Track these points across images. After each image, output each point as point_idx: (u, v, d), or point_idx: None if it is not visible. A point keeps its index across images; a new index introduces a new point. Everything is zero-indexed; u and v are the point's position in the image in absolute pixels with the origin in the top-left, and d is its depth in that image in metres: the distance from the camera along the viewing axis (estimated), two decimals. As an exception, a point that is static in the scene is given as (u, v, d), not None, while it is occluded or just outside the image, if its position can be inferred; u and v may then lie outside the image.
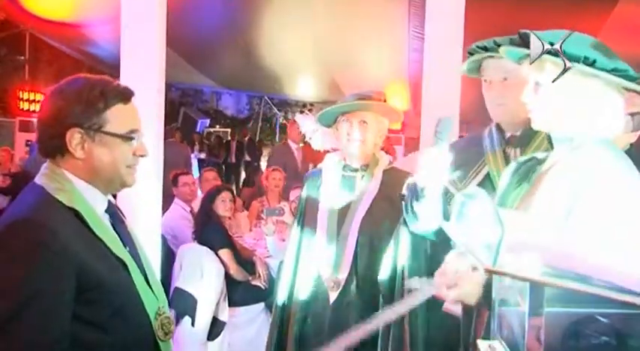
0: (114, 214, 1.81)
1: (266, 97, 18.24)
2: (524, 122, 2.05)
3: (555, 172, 1.68)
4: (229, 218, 5.17)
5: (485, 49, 2.15)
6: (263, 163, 13.79)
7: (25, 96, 11.77)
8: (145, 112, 4.07)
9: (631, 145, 2.06)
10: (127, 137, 1.74)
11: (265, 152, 15.48)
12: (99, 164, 1.71)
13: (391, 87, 8.80)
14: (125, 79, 4.06)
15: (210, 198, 5.03)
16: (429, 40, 3.95)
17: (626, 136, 1.97)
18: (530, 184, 1.76)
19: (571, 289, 1.10)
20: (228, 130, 17.88)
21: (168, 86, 13.90)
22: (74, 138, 1.67)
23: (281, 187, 6.44)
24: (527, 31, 1.66)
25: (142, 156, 1.80)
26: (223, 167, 14.72)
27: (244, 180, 14.58)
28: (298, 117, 3.49)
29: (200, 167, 13.49)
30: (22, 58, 12.58)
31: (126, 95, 1.76)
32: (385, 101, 3.06)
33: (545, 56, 1.61)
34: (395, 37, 8.71)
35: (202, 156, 14.86)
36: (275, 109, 19.03)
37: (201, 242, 4.81)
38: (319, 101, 15.15)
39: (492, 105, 2.25)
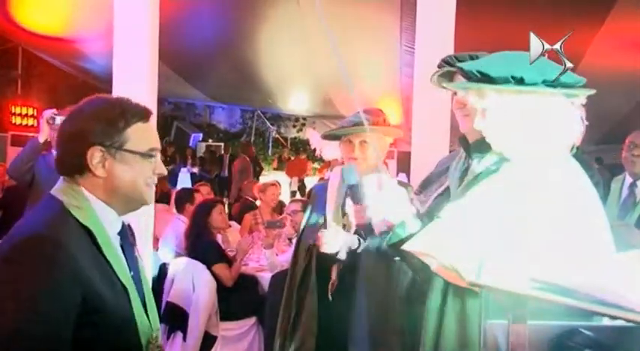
0: (125, 237, 1.82)
1: (259, 112, 18.25)
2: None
3: (506, 177, 1.71)
4: (219, 233, 5.16)
5: (449, 63, 2.20)
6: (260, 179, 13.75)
7: (18, 110, 11.75)
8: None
9: (577, 148, 2.13)
10: (148, 155, 1.76)
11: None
12: (119, 182, 1.72)
13: (383, 101, 8.85)
14: (118, 94, 4.07)
15: (204, 211, 5.01)
16: (420, 55, 3.99)
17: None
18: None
19: (554, 302, 1.11)
20: (221, 144, 17.86)
21: (161, 100, 13.91)
22: (95, 156, 1.69)
23: (277, 202, 6.48)
24: (460, 65, 1.79)
25: (160, 174, 1.81)
26: (216, 181, 14.69)
27: (237, 196, 14.58)
28: (309, 132, 3.75)
29: (192, 181, 13.47)
30: (15, 72, 12.56)
31: (145, 114, 1.79)
32: (384, 120, 3.17)
33: (482, 85, 1.66)
34: (387, 52, 8.77)
35: (195, 170, 14.83)
36: (268, 124, 19.03)
37: (194, 257, 4.80)
38: (312, 115, 15.18)
39: (459, 116, 2.29)
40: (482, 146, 2.14)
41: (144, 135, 1.76)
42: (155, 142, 1.80)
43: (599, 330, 1.21)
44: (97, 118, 1.71)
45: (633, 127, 4.30)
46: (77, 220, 1.65)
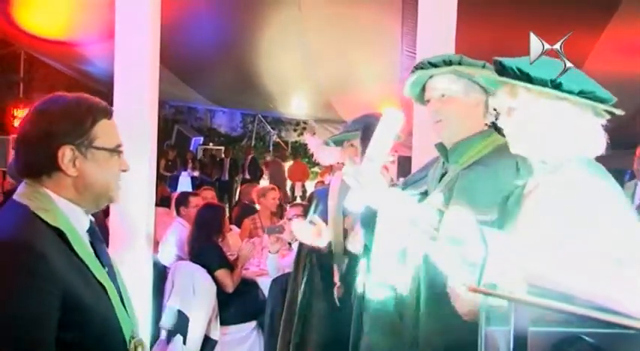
0: (94, 233, 1.80)
1: (260, 116, 18.27)
2: (463, 136, 2.19)
3: (536, 195, 1.70)
4: (220, 237, 5.16)
5: (422, 68, 2.21)
6: (262, 182, 13.75)
7: (20, 114, 11.79)
8: (139, 129, 4.13)
9: None
10: (117, 151, 1.75)
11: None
12: (90, 180, 1.70)
13: (384, 106, 8.84)
14: (119, 97, 4.08)
15: (208, 215, 5.01)
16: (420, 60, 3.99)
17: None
18: (519, 209, 1.78)
19: (555, 309, 1.11)
20: (222, 148, 17.87)
21: (162, 104, 13.92)
22: (66, 156, 1.66)
23: (276, 206, 6.47)
24: (501, 59, 1.71)
25: (124, 171, 1.80)
26: (217, 185, 14.70)
27: (237, 200, 14.63)
28: (307, 137, 3.79)
29: (193, 185, 13.46)
30: (17, 75, 12.60)
31: (108, 111, 1.77)
32: None
33: (517, 83, 1.65)
34: (388, 56, 8.78)
35: (195, 174, 14.84)
36: (268, 127, 19.05)
37: (196, 261, 4.79)
38: (313, 119, 15.20)
39: (433, 123, 2.31)
40: (458, 151, 2.17)
41: (110, 131, 1.75)
42: (119, 138, 1.78)
43: (600, 337, 1.21)
44: (64, 117, 1.69)
45: (635, 133, 4.37)
46: (46, 223, 1.62)
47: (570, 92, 1.64)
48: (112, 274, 1.78)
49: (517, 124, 1.73)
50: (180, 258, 5.16)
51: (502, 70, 1.72)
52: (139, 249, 4.09)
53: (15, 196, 1.69)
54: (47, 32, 9.28)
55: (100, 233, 1.85)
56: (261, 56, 10.13)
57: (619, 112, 1.71)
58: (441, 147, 2.29)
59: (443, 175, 2.24)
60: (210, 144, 18.81)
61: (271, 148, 18.90)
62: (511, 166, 1.99)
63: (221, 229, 5.01)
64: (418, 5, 4.05)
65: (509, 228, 1.72)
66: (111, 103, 4.20)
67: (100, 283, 1.68)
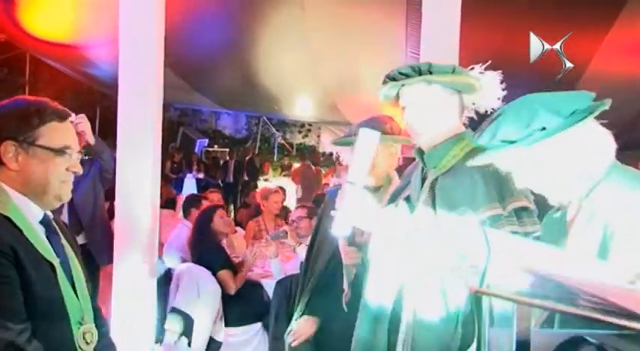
0: (48, 226, 1.90)
1: (264, 117, 18.28)
2: (439, 142, 2.21)
3: (582, 218, 1.69)
4: (224, 238, 5.16)
5: (394, 79, 2.22)
6: (261, 184, 13.74)
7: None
8: (144, 131, 4.14)
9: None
10: (60, 151, 1.85)
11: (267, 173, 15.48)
12: (32, 176, 1.83)
13: (388, 107, 8.83)
14: (124, 99, 4.09)
15: (207, 217, 5.01)
16: (424, 61, 3.98)
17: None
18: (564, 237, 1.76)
19: (557, 310, 1.10)
20: (227, 150, 17.90)
21: (167, 106, 13.95)
22: (8, 150, 1.80)
23: (279, 209, 6.45)
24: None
25: (74, 172, 1.91)
26: (221, 187, 14.70)
27: (243, 202, 14.64)
28: (322, 138, 3.83)
29: (198, 187, 13.47)
30: (23, 79, 12.64)
31: (61, 114, 1.89)
32: (392, 127, 3.15)
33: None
34: (392, 58, 8.76)
35: (200, 176, 14.85)
36: (273, 129, 19.07)
37: (199, 263, 4.80)
38: (318, 121, 15.19)
39: (409, 129, 2.33)
40: (434, 157, 2.18)
41: (58, 133, 1.87)
42: (70, 140, 1.90)
43: (604, 338, 1.20)
44: (11, 114, 1.83)
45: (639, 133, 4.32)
46: None
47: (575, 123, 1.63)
48: (67, 266, 1.88)
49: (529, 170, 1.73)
50: (184, 260, 5.17)
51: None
52: (144, 250, 4.10)
53: None
54: (52, 35, 9.30)
55: (56, 227, 1.95)
56: (265, 57, 10.14)
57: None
58: (419, 152, 2.32)
59: (424, 180, 2.26)
60: (215, 146, 18.84)
61: (276, 150, 18.92)
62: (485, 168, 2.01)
63: (216, 228, 4.98)
64: (422, 6, 4.05)
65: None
66: (116, 106, 4.23)
67: (50, 264, 1.78)
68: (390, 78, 2.24)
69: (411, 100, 2.24)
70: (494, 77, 2.19)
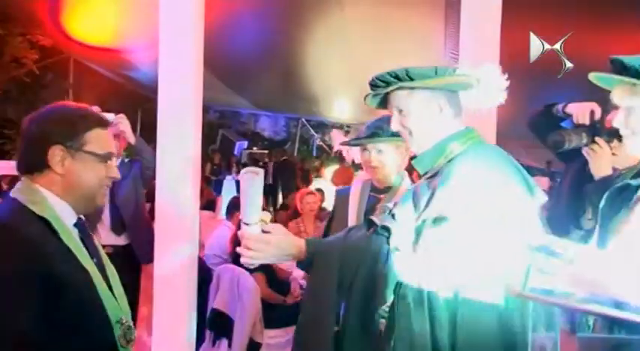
0: (83, 228, 1.96)
1: (303, 119, 18.31)
2: (429, 146, 2.15)
3: None
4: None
5: (376, 86, 2.18)
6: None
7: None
8: (184, 133, 4.19)
9: None
10: (104, 157, 1.92)
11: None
12: (77, 180, 1.88)
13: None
14: (164, 102, 4.13)
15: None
16: (463, 62, 3.94)
17: None
18: (628, 210, 1.71)
19: (601, 314, 1.08)
20: (266, 151, 17.99)
21: (207, 108, 14.06)
22: (56, 154, 1.85)
23: (316, 210, 6.45)
24: (615, 57, 1.66)
25: (113, 178, 1.98)
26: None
27: (282, 204, 14.66)
28: (333, 132, 3.80)
29: (237, 190, 13.51)
30: (67, 82, 12.86)
31: (103, 122, 1.97)
32: None
33: (637, 82, 1.61)
34: (431, 59, 8.70)
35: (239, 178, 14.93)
36: (312, 131, 19.10)
37: (238, 263, 4.82)
38: (356, 123, 15.13)
39: (402, 135, 2.28)
40: (425, 162, 2.15)
41: (102, 140, 1.94)
42: (111, 147, 1.98)
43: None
44: (57, 120, 1.90)
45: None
46: (34, 213, 1.81)
47: None
48: (101, 266, 1.95)
49: (635, 124, 1.69)
50: (224, 261, 5.21)
51: (622, 69, 1.66)
52: (184, 251, 4.13)
53: (11, 192, 1.89)
54: (95, 40, 9.47)
55: (88, 229, 2.01)
56: (305, 59, 10.16)
57: None
58: (412, 158, 2.33)
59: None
60: (254, 148, 18.94)
61: (315, 152, 18.93)
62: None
63: None
64: (461, 6, 4.01)
65: (619, 231, 1.66)
66: (156, 109, 4.28)
67: (85, 269, 1.82)
68: (371, 85, 2.21)
69: (395, 108, 2.20)
70: (491, 70, 2.11)
